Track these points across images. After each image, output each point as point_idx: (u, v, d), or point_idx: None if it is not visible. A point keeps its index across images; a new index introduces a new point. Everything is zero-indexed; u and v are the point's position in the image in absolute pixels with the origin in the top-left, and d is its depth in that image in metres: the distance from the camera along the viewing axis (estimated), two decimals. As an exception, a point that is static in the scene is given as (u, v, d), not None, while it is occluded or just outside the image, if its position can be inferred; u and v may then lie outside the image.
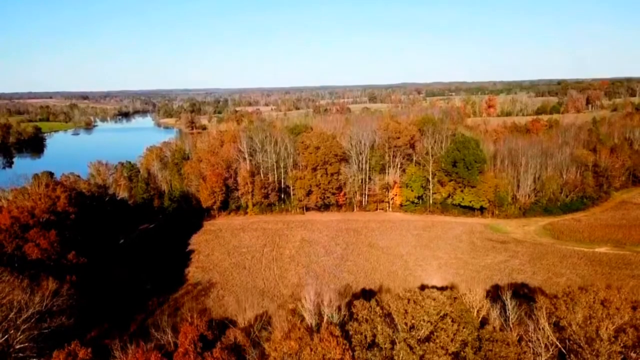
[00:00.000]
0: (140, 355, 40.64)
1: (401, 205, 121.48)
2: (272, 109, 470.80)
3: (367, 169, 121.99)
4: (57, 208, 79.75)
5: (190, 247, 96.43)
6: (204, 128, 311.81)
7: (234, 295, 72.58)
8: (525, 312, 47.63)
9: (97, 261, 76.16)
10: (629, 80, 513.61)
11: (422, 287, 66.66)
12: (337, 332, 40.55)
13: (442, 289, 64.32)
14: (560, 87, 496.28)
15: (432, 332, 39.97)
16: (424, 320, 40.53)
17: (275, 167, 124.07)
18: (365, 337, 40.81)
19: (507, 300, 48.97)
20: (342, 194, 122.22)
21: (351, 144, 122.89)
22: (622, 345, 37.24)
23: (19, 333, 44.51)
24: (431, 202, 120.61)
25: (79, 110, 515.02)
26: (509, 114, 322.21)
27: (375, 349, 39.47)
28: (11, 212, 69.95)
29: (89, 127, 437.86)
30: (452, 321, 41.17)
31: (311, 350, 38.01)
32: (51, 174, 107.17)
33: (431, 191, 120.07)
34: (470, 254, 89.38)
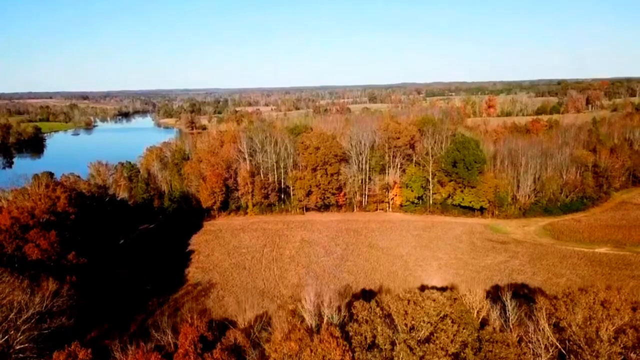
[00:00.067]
0: (140, 356, 40.64)
1: (401, 205, 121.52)
2: (272, 109, 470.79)
3: (367, 169, 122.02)
4: (57, 208, 79.75)
5: (190, 248, 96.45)
6: (204, 128, 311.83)
7: (234, 295, 72.61)
8: (525, 312, 47.59)
9: (97, 261, 76.15)
10: (629, 80, 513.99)
11: (422, 288, 66.70)
12: (337, 333, 40.54)
13: (442, 289, 64.37)
14: (560, 87, 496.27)
15: (432, 333, 39.98)
16: (424, 321, 40.54)
17: (275, 167, 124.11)
18: (365, 338, 40.81)
19: (507, 301, 48.93)
20: (342, 194, 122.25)
21: (351, 145, 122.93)
22: (622, 346, 37.22)
23: (19, 334, 44.50)
24: (431, 202, 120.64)
25: (79, 111, 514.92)
26: (509, 114, 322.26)
27: (375, 350, 39.47)
28: (11, 213, 69.95)
29: (89, 127, 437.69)
30: (452, 322, 41.19)
31: (311, 351, 38.01)
32: (51, 175, 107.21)
33: (431, 191, 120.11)
34: (470, 254, 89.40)
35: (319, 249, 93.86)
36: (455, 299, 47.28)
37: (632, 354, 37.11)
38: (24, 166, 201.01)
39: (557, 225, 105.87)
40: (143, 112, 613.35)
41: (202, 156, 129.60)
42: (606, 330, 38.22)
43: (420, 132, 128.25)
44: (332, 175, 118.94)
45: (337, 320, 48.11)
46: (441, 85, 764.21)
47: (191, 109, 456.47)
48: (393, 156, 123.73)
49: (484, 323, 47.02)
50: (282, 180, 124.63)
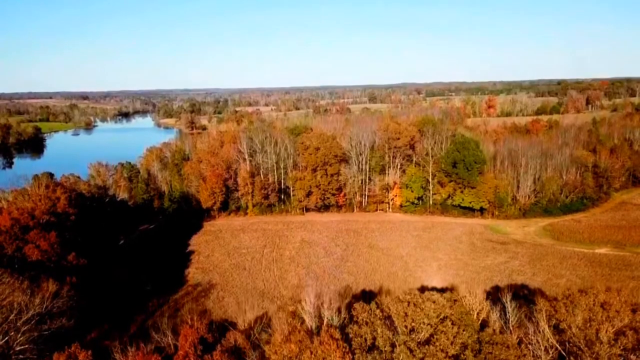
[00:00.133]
0: (140, 358, 40.68)
1: (401, 206, 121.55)
2: (272, 109, 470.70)
3: (367, 169, 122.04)
4: (57, 209, 79.75)
5: (190, 248, 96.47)
6: (204, 128, 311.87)
7: (234, 296, 72.65)
8: (525, 314, 47.62)
9: (97, 262, 76.16)
10: (628, 80, 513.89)
11: (422, 289, 66.79)
12: (337, 335, 40.56)
13: (442, 290, 64.43)
14: (560, 87, 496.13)
15: (432, 335, 40.01)
16: (424, 323, 40.58)
17: (275, 167, 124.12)
18: (365, 340, 40.83)
19: (507, 302, 48.98)
20: (342, 194, 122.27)
21: (351, 145, 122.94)
22: (622, 348, 37.24)
23: (19, 335, 44.49)
24: (431, 202, 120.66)
25: (79, 111, 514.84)
26: (509, 114, 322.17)
27: (375, 352, 39.49)
28: (11, 214, 69.96)
29: (88, 127, 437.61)
30: (452, 324, 41.23)
31: (311, 353, 38.03)
32: (51, 175, 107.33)
33: (431, 192, 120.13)
34: (470, 255, 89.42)
35: (319, 249, 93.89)
36: (455, 300, 47.28)
37: (632, 356, 37.11)
38: (24, 166, 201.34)
39: (557, 226, 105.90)
40: (143, 112, 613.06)
41: (202, 156, 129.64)
42: (606, 332, 38.26)
43: (420, 132, 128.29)
44: (332, 175, 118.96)
45: (337, 322, 48.14)
46: (441, 85, 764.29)
47: (191, 109, 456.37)
48: (393, 157, 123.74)
49: (484, 325, 47.03)
50: (282, 181, 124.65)
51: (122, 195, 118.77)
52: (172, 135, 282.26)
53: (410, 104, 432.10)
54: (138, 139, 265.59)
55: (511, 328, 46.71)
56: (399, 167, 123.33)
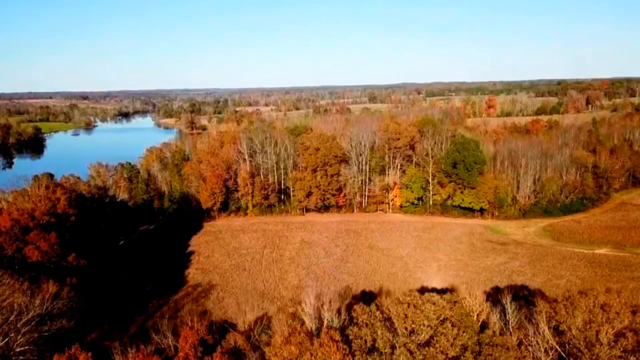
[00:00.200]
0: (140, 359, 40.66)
1: (401, 206, 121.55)
2: (272, 109, 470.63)
3: (367, 170, 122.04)
4: (57, 210, 79.75)
5: (190, 249, 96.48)
6: (204, 128, 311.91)
7: (234, 297, 72.67)
8: (525, 315, 47.65)
9: (97, 263, 76.21)
10: (628, 80, 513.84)
11: (422, 289, 66.87)
12: (337, 337, 40.54)
13: (442, 291, 64.50)
14: (560, 87, 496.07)
15: (432, 337, 40.02)
16: (424, 325, 40.58)
17: (275, 168, 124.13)
18: (365, 341, 40.83)
19: (507, 303, 49.02)
20: (342, 195, 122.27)
21: (351, 145, 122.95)
22: (621, 349, 37.25)
23: (20, 336, 44.48)
24: (431, 203, 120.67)
25: (78, 111, 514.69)
26: (508, 114, 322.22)
27: (375, 353, 39.49)
28: (11, 214, 69.94)
29: (88, 127, 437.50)
30: (452, 325, 41.23)
31: (311, 355, 38.03)
32: (51, 176, 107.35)
33: (431, 192, 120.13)
34: (470, 255, 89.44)
35: (319, 250, 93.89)
36: (455, 302, 47.27)
37: (631, 358, 37.13)
38: (24, 167, 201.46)
39: (557, 227, 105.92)
40: (143, 112, 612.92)
41: (202, 157, 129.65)
42: (606, 333, 38.27)
43: (420, 132, 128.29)
44: (332, 176, 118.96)
45: (337, 323, 48.17)
46: (441, 85, 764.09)
47: (191, 109, 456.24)
48: (393, 157, 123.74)
49: (484, 326, 47.05)
50: (282, 181, 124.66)
51: (122, 195, 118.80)
52: (172, 135, 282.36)
53: (410, 104, 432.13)
54: (138, 139, 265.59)
55: (511, 329, 46.74)
56: (399, 167, 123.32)
